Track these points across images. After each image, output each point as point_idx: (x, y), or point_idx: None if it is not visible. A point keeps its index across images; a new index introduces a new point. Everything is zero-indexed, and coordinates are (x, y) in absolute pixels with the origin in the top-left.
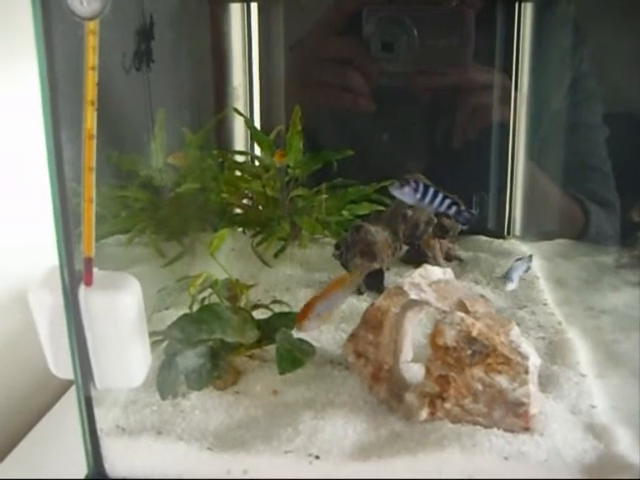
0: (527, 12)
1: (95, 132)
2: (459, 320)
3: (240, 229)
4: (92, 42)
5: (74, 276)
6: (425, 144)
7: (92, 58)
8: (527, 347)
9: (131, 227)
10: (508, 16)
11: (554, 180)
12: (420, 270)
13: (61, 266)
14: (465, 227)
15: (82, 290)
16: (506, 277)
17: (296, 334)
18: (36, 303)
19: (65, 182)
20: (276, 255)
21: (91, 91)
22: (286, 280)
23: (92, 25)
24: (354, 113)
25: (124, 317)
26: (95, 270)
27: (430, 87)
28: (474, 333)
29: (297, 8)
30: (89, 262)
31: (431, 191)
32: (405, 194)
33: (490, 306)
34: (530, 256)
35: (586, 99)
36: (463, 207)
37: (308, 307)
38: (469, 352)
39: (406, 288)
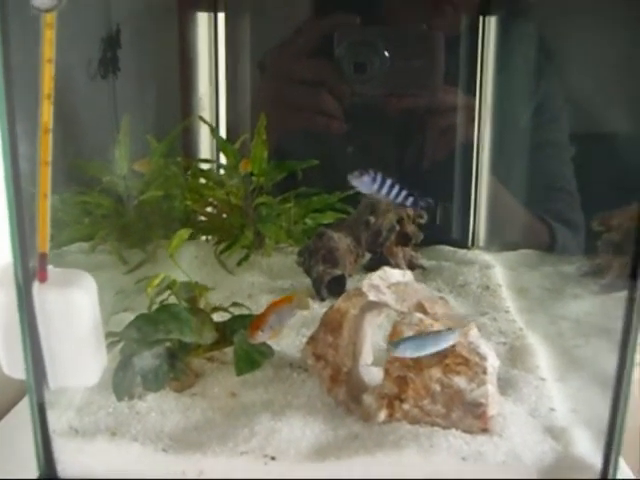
0: (492, 30)
1: (51, 126)
2: (417, 321)
3: (204, 237)
4: (49, 35)
5: (28, 272)
6: (391, 157)
7: (49, 51)
8: (486, 348)
9: (93, 234)
10: (473, 35)
11: (518, 198)
12: (379, 272)
13: (15, 262)
14: (423, 219)
15: (36, 286)
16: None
17: None
18: None
19: (20, 177)
20: (239, 263)
21: (47, 84)
22: (249, 287)
23: (49, 18)
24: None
25: (79, 314)
26: (50, 267)
27: (400, 108)
28: None
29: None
30: (43, 258)
31: (388, 182)
32: (363, 183)
33: (450, 308)
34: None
35: (553, 118)
36: (419, 197)
37: (261, 318)
38: None
39: (365, 290)
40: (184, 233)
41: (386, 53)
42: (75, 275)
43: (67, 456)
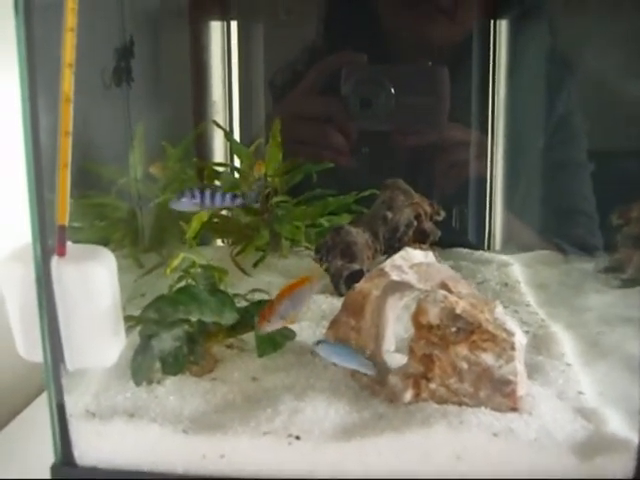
0: (507, 47)
1: (72, 97)
2: (442, 298)
3: (220, 241)
4: (71, 4)
5: (46, 246)
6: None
7: (71, 20)
8: (512, 324)
9: (109, 237)
10: (484, 45)
11: (535, 221)
12: (402, 253)
13: (33, 236)
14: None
15: (54, 261)
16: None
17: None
18: (6, 276)
19: (40, 152)
20: (255, 265)
21: (69, 53)
22: (265, 287)
23: None
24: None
25: (97, 289)
26: (68, 243)
27: (406, 145)
28: (458, 310)
29: (280, 15)
30: (62, 231)
31: (208, 192)
32: (183, 204)
33: (472, 289)
34: None
35: (572, 137)
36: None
37: (269, 308)
38: (453, 329)
39: (387, 270)
40: (203, 215)
41: (392, 90)
42: (94, 250)
43: (84, 440)
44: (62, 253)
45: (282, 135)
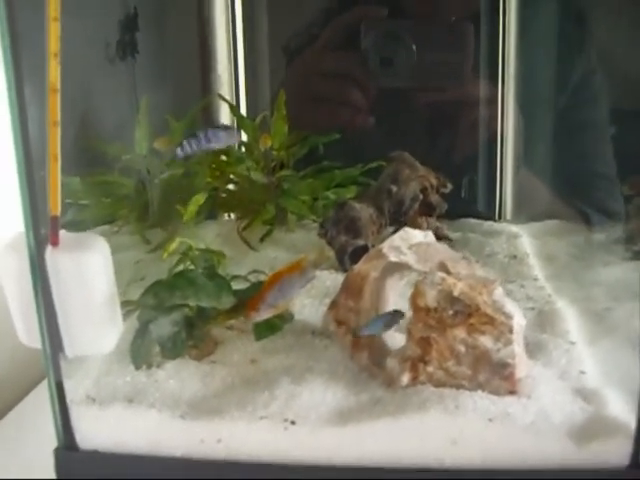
0: (530, 9)
1: (59, 86)
2: (440, 280)
3: (226, 216)
4: None
5: (39, 236)
6: (416, 135)
7: (54, 9)
8: (511, 307)
9: (115, 214)
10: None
11: (555, 184)
12: (400, 233)
13: (26, 226)
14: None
15: (49, 250)
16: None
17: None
18: (2, 266)
19: (29, 140)
20: (262, 239)
21: (54, 43)
22: (271, 262)
23: None
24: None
25: (92, 277)
26: (62, 232)
27: (427, 102)
28: (456, 293)
29: None
30: (55, 221)
31: (201, 134)
32: (178, 154)
33: (473, 268)
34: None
35: (592, 97)
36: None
37: (258, 296)
38: (451, 312)
39: (385, 251)
40: (199, 198)
41: (413, 46)
42: (88, 238)
43: (85, 425)
44: (56, 243)
45: (299, 93)
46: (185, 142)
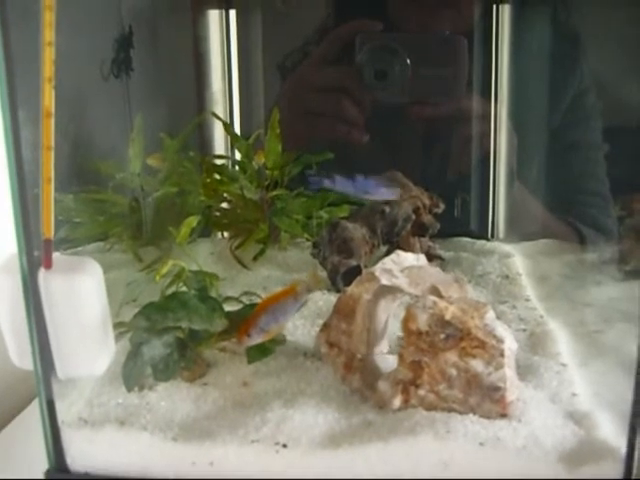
0: (523, 27)
1: (53, 110)
2: (431, 304)
3: (219, 234)
4: (49, 17)
5: (33, 258)
6: (409, 150)
7: (49, 34)
8: (503, 331)
9: (108, 232)
10: (487, 28)
11: (547, 202)
12: (392, 256)
13: (19, 249)
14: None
15: (41, 273)
16: None
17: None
18: None
19: (22, 163)
20: (255, 258)
21: (48, 68)
22: (264, 281)
23: (48, 0)
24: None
25: (84, 300)
26: (55, 254)
27: (422, 116)
28: (447, 317)
29: (277, 10)
30: (48, 244)
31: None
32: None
33: (465, 291)
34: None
35: (586, 117)
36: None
37: (249, 321)
38: (442, 336)
39: (377, 274)
40: (192, 221)
41: (407, 59)
42: (80, 261)
43: (76, 447)
44: (49, 265)
45: (295, 108)
46: (339, 178)
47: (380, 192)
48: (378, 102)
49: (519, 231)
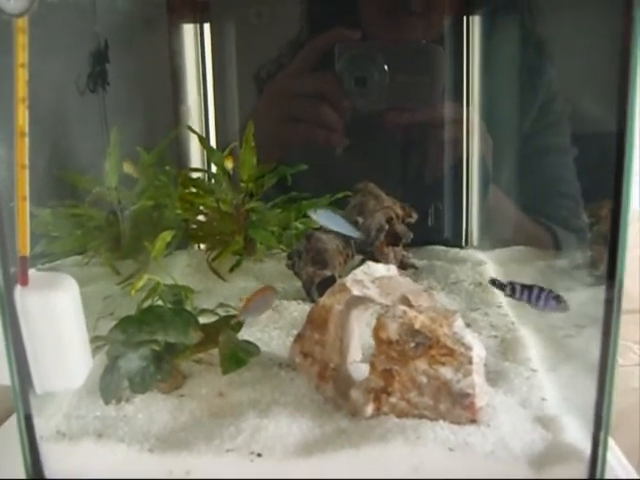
0: (492, 36)
1: (27, 130)
2: (401, 313)
3: (196, 246)
4: (21, 40)
5: (9, 275)
6: (386, 157)
7: (22, 56)
8: (471, 338)
9: (86, 246)
10: (458, 37)
11: (520, 204)
12: (363, 267)
13: None
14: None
15: (18, 290)
16: None
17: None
18: None
19: None
20: (231, 269)
21: (22, 88)
22: (240, 292)
23: (21, 22)
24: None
25: (61, 316)
26: (31, 271)
27: (400, 122)
28: (417, 325)
29: (250, 23)
30: (24, 261)
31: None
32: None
33: (434, 300)
34: None
35: (555, 122)
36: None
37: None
38: (412, 345)
39: (349, 285)
40: (166, 235)
41: (385, 67)
42: (56, 277)
43: (54, 459)
44: (25, 282)
45: (273, 117)
46: (520, 287)
47: (550, 305)
48: (356, 109)
49: (492, 238)
